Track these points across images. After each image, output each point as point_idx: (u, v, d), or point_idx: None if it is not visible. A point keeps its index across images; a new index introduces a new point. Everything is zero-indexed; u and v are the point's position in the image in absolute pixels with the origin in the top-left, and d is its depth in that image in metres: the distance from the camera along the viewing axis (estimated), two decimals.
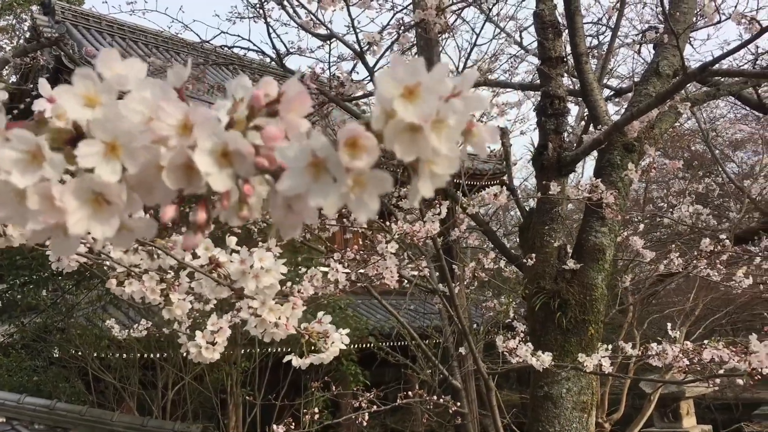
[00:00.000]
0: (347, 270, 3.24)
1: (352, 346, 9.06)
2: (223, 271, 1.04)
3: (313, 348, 1.11)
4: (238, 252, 1.02)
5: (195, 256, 1.08)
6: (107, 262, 1.33)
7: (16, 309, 9.90)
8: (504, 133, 5.28)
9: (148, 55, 13.04)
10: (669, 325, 3.48)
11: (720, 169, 7.52)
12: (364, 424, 3.09)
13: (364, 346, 9.63)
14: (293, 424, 3.32)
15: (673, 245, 4.67)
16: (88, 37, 11.43)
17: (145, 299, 1.33)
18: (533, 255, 4.21)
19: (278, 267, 0.99)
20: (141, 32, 12.63)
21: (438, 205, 3.19)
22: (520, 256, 4.54)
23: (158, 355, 8.86)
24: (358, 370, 8.28)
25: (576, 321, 4.07)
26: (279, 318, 1.02)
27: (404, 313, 13.09)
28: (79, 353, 9.32)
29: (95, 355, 9.31)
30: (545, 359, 3.02)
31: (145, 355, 9.02)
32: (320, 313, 1.15)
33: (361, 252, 2.70)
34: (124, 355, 9.28)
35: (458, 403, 3.90)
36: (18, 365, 9.78)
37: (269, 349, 9.13)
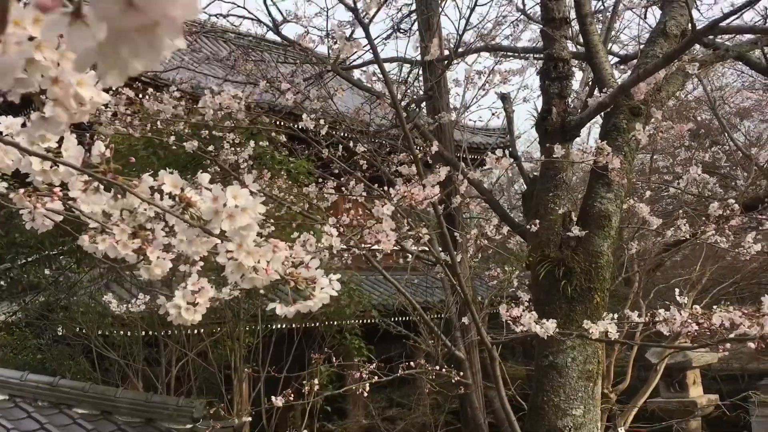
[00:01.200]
0: (344, 235, 3.15)
1: (356, 321, 9.03)
2: (196, 211, 0.94)
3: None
4: (210, 189, 0.92)
5: (164, 196, 0.98)
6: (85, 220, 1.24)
7: (18, 288, 9.86)
8: (506, 99, 5.15)
9: None
10: (677, 290, 3.39)
11: (727, 136, 7.38)
12: (365, 394, 3.02)
13: (367, 321, 9.60)
14: (293, 396, 3.26)
15: (681, 211, 4.57)
16: None
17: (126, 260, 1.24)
18: (537, 222, 4.12)
19: (256, 205, 0.89)
20: None
21: (437, 170, 3.09)
22: (524, 224, 4.45)
23: (162, 333, 8.83)
24: (362, 344, 8.24)
25: (581, 289, 3.98)
26: (258, 262, 0.93)
27: (406, 287, 13.07)
28: (83, 331, 9.29)
29: (99, 332, 9.29)
30: (549, 327, 2.94)
31: (149, 333, 8.99)
32: (307, 257, 1.05)
33: (358, 217, 2.61)
34: (128, 332, 9.27)
35: (461, 374, 3.83)
36: (22, 344, 9.77)
37: (273, 326, 9.10)
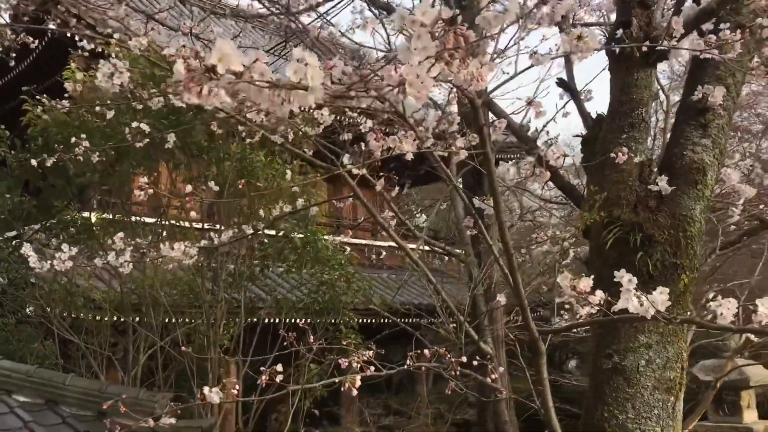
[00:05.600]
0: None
1: (355, 318, 7.93)
2: None
3: None
4: None
5: None
6: None
7: None
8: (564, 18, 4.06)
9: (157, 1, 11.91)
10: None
11: None
12: (356, 388, 1.96)
13: (365, 321, 8.49)
14: (276, 390, 2.22)
15: None
16: None
17: None
18: (604, 173, 3.03)
19: None
20: None
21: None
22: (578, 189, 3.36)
23: (132, 318, 7.77)
24: (359, 339, 7.12)
25: (664, 265, 2.89)
26: None
27: (411, 288, 11.95)
28: (49, 310, 8.19)
29: (65, 314, 8.22)
30: (658, 299, 1.85)
31: (119, 318, 7.93)
32: None
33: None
34: (96, 316, 8.20)
35: (493, 375, 2.75)
36: None
37: (254, 319, 8.03)
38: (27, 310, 8.50)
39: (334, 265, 7.21)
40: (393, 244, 13.45)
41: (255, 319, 7.94)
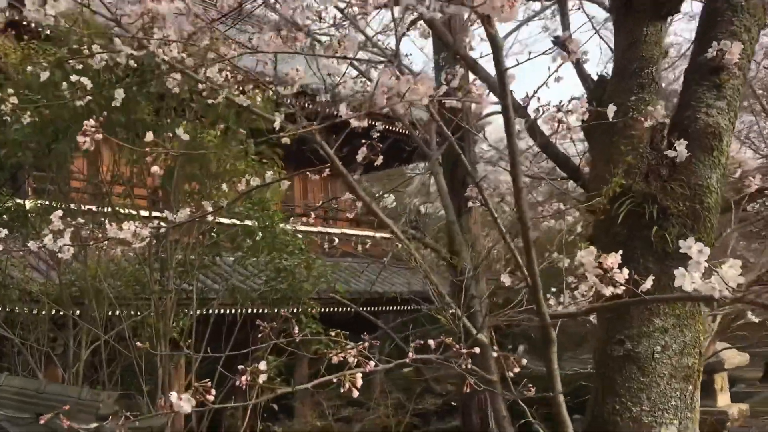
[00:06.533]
0: None
1: (316, 306, 7.49)
2: None
3: None
4: None
5: None
6: None
7: None
8: None
9: None
10: None
11: None
12: (355, 393, 1.61)
13: (327, 309, 8.08)
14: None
15: None
16: None
17: None
18: (610, 139, 2.72)
19: None
20: None
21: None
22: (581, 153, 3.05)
23: (72, 312, 7.19)
24: (320, 329, 6.72)
25: (679, 240, 2.60)
26: None
27: (369, 276, 11.58)
28: None
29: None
30: (730, 275, 1.53)
31: (58, 312, 7.33)
32: None
33: None
34: (33, 310, 7.58)
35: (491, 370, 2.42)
36: None
37: (207, 311, 7.53)
38: None
39: (293, 251, 6.80)
40: (346, 231, 13.00)
41: (208, 311, 7.46)
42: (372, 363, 1.80)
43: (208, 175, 6.57)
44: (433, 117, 1.97)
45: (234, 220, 7.15)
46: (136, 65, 4.65)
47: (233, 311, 7.41)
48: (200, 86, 2.56)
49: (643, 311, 2.60)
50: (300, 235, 7.65)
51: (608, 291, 2.08)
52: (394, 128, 13.05)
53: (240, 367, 1.72)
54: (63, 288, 7.33)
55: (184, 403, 1.46)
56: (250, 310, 7.29)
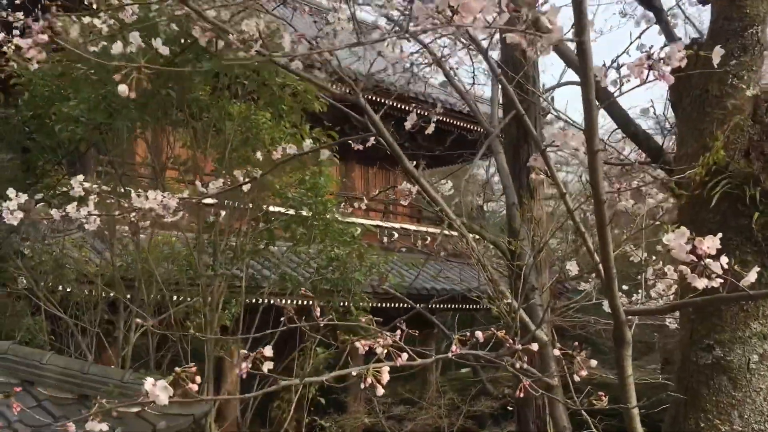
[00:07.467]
0: None
1: (368, 300, 7.21)
2: None
3: None
4: None
5: None
6: None
7: None
8: None
9: None
10: None
11: None
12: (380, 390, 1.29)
13: (379, 305, 7.79)
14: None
15: None
16: None
17: None
18: (704, 110, 2.32)
19: None
20: None
21: None
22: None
23: (124, 296, 7.13)
24: (372, 325, 6.43)
25: None
26: None
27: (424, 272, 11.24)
28: (36, 283, 7.53)
29: (54, 287, 7.58)
30: None
31: (110, 294, 7.28)
32: None
33: None
34: (87, 291, 7.55)
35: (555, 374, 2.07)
36: None
37: (259, 300, 7.34)
38: (18, 282, 7.85)
39: (345, 239, 6.53)
40: (406, 225, 12.69)
41: (257, 300, 7.27)
42: (404, 356, 1.48)
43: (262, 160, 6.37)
44: (490, 65, 1.63)
45: (288, 210, 6.95)
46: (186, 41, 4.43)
47: (282, 301, 7.20)
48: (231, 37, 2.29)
49: (738, 313, 2.19)
50: (355, 225, 7.40)
51: (701, 283, 1.71)
52: (456, 122, 12.65)
53: (242, 351, 1.43)
54: (116, 270, 7.27)
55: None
56: (298, 302, 7.06)
